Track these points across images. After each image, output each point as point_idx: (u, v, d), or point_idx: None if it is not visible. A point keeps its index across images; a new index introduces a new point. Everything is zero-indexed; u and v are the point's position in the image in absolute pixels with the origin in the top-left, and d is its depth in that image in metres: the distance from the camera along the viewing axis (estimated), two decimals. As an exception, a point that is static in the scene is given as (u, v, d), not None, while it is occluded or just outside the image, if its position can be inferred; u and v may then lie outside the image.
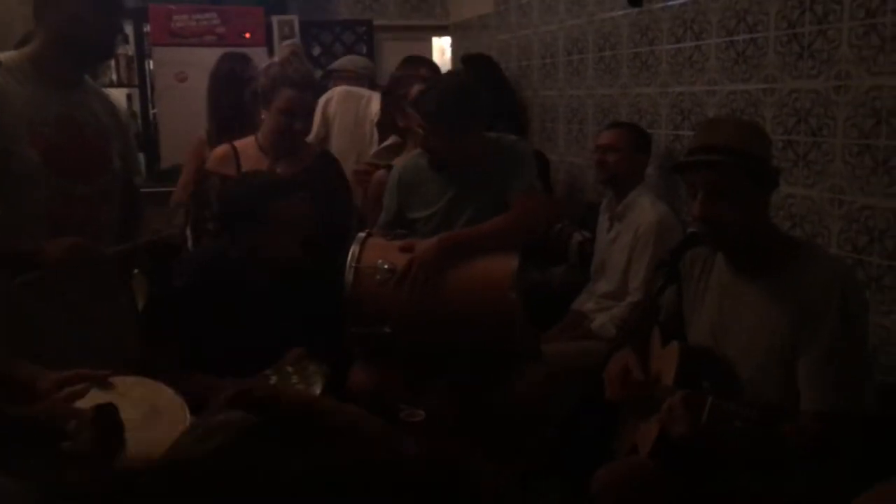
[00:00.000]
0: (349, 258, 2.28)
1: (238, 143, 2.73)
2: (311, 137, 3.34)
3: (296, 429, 0.85)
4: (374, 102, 3.38)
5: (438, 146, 2.43)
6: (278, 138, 2.69)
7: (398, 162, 3.06)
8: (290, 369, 2.10)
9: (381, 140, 3.34)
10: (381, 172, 3.02)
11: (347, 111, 3.37)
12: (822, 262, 1.75)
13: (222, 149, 2.74)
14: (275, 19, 4.96)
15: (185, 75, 4.67)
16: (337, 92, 3.46)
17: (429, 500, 0.83)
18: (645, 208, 2.89)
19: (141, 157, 3.28)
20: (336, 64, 4.25)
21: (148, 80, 4.95)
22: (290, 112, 2.64)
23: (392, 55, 5.20)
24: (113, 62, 4.97)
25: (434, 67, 3.39)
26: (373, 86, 3.75)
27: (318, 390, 2.06)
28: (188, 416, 1.60)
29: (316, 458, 0.80)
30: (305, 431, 0.84)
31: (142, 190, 2.53)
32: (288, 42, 2.80)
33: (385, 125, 3.33)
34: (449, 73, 2.94)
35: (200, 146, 3.23)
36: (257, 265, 2.22)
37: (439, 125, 2.40)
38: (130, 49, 5.01)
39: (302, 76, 2.67)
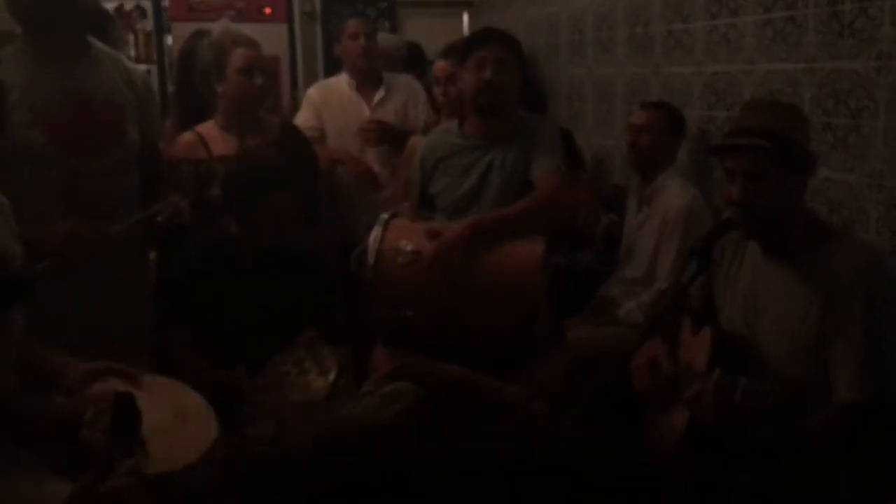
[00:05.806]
0: (371, 240, 2.24)
1: (199, 129, 2.59)
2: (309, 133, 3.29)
3: (456, 403, 0.84)
4: (345, 76, 3.37)
5: (504, 77, 2.37)
6: (241, 104, 2.55)
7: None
8: (303, 354, 2.07)
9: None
10: (415, 138, 3.00)
11: (331, 96, 3.35)
12: (852, 249, 1.71)
13: (187, 136, 2.59)
14: (296, -6, 4.91)
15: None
16: (315, 87, 3.46)
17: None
18: (674, 192, 2.82)
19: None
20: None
21: (167, 56, 4.92)
22: (248, 70, 2.49)
23: (416, 31, 5.11)
24: (132, 38, 4.95)
25: None
26: (405, 67, 3.72)
27: (332, 376, 2.03)
28: (216, 425, 1.57)
29: (481, 441, 0.78)
30: (466, 407, 0.84)
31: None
32: (222, 20, 2.71)
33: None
34: None
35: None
36: (256, 248, 2.23)
37: (510, 50, 2.40)
38: (149, 24, 4.97)
39: (248, 38, 2.55)
